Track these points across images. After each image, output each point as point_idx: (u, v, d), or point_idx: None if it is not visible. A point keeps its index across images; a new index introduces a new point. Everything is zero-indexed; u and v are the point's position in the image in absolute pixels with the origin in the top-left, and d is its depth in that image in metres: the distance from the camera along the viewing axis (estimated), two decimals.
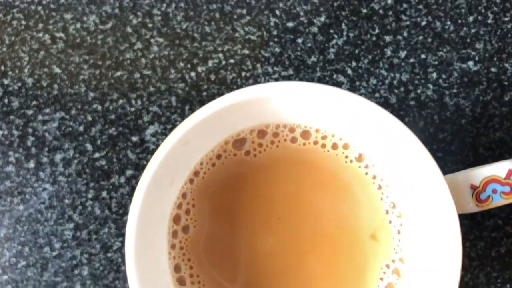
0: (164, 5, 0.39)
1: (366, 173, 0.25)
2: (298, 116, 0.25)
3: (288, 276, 0.25)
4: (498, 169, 0.23)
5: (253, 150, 0.25)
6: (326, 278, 0.25)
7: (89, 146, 0.38)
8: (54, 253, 0.37)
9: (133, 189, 0.38)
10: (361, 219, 0.25)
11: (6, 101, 0.38)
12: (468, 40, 0.39)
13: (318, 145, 0.25)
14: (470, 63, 0.39)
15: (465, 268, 0.37)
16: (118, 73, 0.39)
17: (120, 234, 0.37)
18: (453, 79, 0.38)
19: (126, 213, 0.37)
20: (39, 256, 0.37)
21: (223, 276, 0.25)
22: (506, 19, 0.39)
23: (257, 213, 0.25)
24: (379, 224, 0.25)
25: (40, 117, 0.38)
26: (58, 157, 0.38)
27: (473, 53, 0.39)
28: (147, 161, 0.38)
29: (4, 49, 0.39)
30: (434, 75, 0.38)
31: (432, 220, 0.23)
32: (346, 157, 0.25)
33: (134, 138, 0.38)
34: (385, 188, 0.25)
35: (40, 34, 0.39)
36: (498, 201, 0.23)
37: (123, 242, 0.37)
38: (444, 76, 0.38)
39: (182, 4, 0.39)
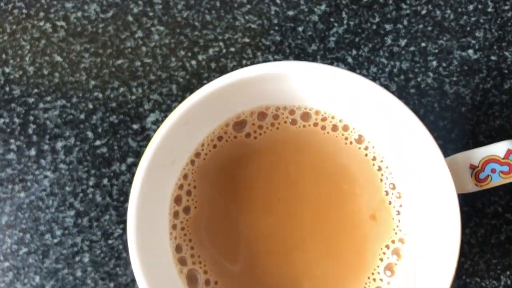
0: None
1: (366, 155, 0.26)
2: (298, 97, 0.25)
3: (288, 256, 0.25)
4: (497, 149, 0.24)
5: (253, 132, 0.26)
6: (326, 258, 0.25)
7: (90, 134, 0.38)
8: (55, 240, 0.38)
9: (134, 176, 0.38)
10: (361, 199, 0.25)
11: (7, 89, 0.39)
12: (468, 28, 0.39)
13: (318, 127, 0.26)
14: (470, 51, 0.39)
15: (465, 255, 0.37)
16: (119, 61, 0.39)
17: (121, 221, 0.38)
18: (453, 67, 0.39)
19: (127, 200, 0.38)
20: (40, 243, 0.38)
21: (224, 256, 0.25)
22: (506, 7, 0.39)
23: (257, 195, 0.25)
24: (379, 204, 0.25)
25: (41, 105, 0.38)
26: (59, 144, 0.38)
27: (473, 41, 0.39)
28: None
29: (5, 38, 0.39)
30: (434, 63, 0.39)
31: (432, 201, 0.24)
32: (346, 138, 0.26)
33: (135, 126, 0.38)
34: (385, 169, 0.26)
35: (41, 23, 0.39)
36: (497, 181, 0.24)
37: (124, 229, 0.38)
38: (444, 64, 0.39)
39: None
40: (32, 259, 0.38)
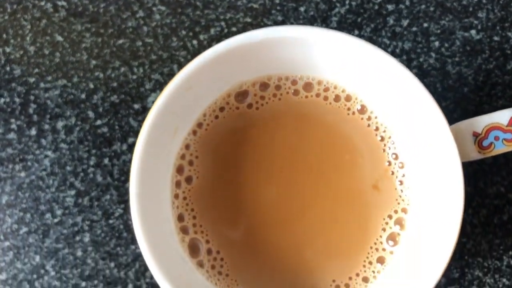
0: None
1: (369, 125, 0.26)
2: (301, 67, 0.25)
3: (290, 226, 0.25)
4: (500, 116, 0.24)
5: (255, 103, 0.26)
6: (328, 228, 0.25)
7: (91, 114, 0.38)
8: (56, 220, 0.38)
9: None
10: (363, 169, 0.26)
11: (8, 68, 0.39)
12: (471, 9, 0.39)
13: (320, 98, 0.26)
14: (473, 31, 0.39)
15: (467, 235, 0.37)
16: (120, 41, 0.39)
17: (122, 201, 0.38)
18: (455, 47, 0.39)
19: (128, 180, 0.38)
20: (40, 222, 0.38)
21: (226, 226, 0.25)
22: None
23: (259, 165, 0.26)
24: (382, 174, 0.26)
25: (42, 85, 0.39)
26: (60, 124, 0.38)
27: (476, 22, 0.39)
28: None
29: (6, 17, 0.39)
30: (437, 43, 0.39)
31: (435, 169, 0.24)
32: (348, 109, 0.26)
33: (136, 106, 0.38)
34: (388, 139, 0.26)
35: (42, 3, 0.39)
36: (501, 148, 0.24)
37: (125, 209, 0.38)
38: (446, 45, 0.39)
39: None
40: (32, 238, 0.38)
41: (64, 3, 0.40)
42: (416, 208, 0.25)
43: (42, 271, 0.38)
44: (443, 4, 0.39)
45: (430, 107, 0.22)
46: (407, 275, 0.23)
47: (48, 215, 0.38)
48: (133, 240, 0.38)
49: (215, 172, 0.26)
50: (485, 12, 0.39)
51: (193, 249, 0.25)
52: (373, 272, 0.25)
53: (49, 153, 0.38)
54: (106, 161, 0.38)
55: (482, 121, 0.24)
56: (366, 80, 0.25)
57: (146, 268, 0.38)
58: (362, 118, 0.26)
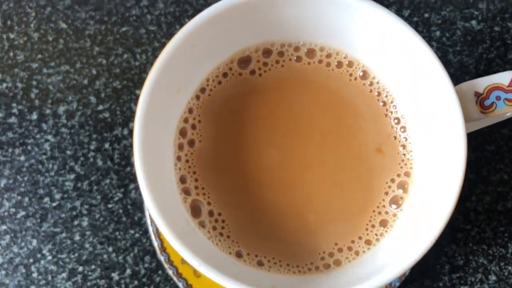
0: None
1: (371, 91, 0.26)
2: (304, 32, 0.26)
3: (293, 189, 0.26)
4: (502, 77, 0.25)
5: (258, 70, 0.26)
6: (331, 191, 0.26)
7: (93, 99, 0.39)
8: (54, 204, 0.38)
9: None
10: (366, 133, 0.26)
11: (11, 54, 0.40)
12: (471, 0, 0.40)
13: (323, 64, 0.27)
14: (473, 22, 0.40)
15: (471, 222, 0.37)
16: (124, 29, 0.40)
17: (122, 185, 0.38)
18: (456, 37, 0.40)
19: (128, 164, 0.38)
20: (38, 206, 0.38)
21: (228, 189, 0.26)
22: None
23: (262, 130, 0.26)
24: (385, 138, 0.26)
25: (44, 70, 0.39)
26: (61, 109, 0.39)
27: (476, 12, 0.40)
28: None
29: (11, 5, 0.40)
30: (438, 33, 0.40)
31: (437, 132, 0.24)
32: (351, 75, 0.27)
33: (138, 91, 0.39)
34: (390, 104, 0.26)
35: None
36: (502, 108, 0.24)
37: (124, 193, 0.38)
38: (447, 35, 0.40)
39: None
40: (30, 222, 0.38)
41: None
42: (419, 172, 0.26)
43: (39, 255, 0.38)
44: None
45: (433, 65, 0.23)
46: (410, 238, 0.23)
47: (46, 199, 0.38)
48: (132, 225, 0.38)
49: (217, 136, 0.26)
50: (485, 3, 0.41)
51: (195, 210, 0.25)
52: (376, 235, 0.25)
53: (49, 137, 0.39)
54: (106, 145, 0.39)
55: (484, 82, 0.25)
56: (368, 44, 0.26)
57: (144, 253, 0.38)
58: (364, 84, 0.27)
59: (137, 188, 0.38)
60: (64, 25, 0.40)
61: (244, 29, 0.25)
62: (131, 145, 0.39)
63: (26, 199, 0.38)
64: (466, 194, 0.38)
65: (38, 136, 0.39)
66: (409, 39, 0.24)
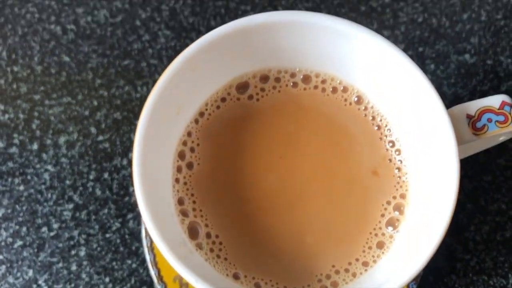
0: (172, 1, 0.43)
1: (365, 115, 0.27)
2: (299, 59, 0.27)
3: (290, 211, 0.26)
4: (492, 100, 0.26)
5: (256, 95, 0.27)
6: (328, 213, 0.26)
7: (93, 130, 0.40)
8: (52, 233, 0.38)
9: None
10: (362, 156, 0.27)
11: (14, 86, 0.41)
12: (464, 35, 0.42)
13: (318, 90, 0.28)
14: (467, 55, 0.42)
15: (470, 252, 0.38)
16: (126, 62, 0.42)
17: (120, 215, 0.38)
18: (450, 70, 0.41)
19: (127, 194, 0.39)
20: (36, 236, 0.38)
21: (226, 212, 0.26)
22: (499, 16, 0.42)
23: (259, 153, 0.27)
24: (380, 161, 0.27)
25: (46, 102, 0.41)
26: (62, 139, 0.40)
27: (469, 46, 0.42)
28: None
29: (17, 39, 0.42)
30: (432, 66, 0.41)
31: (431, 154, 0.25)
32: (345, 100, 0.27)
33: None
34: (384, 128, 0.27)
35: (52, 26, 0.42)
36: (494, 130, 0.25)
37: (122, 223, 0.38)
38: (441, 67, 0.41)
39: (189, 1, 0.43)
40: (27, 252, 0.38)
41: (73, 27, 0.42)
42: (414, 194, 0.26)
43: (34, 286, 0.37)
44: (437, 31, 0.42)
45: (425, 88, 0.24)
46: (407, 259, 0.23)
47: (44, 229, 0.38)
48: (129, 255, 0.38)
49: (215, 160, 0.27)
50: (477, 38, 0.42)
51: (192, 232, 0.26)
52: (373, 256, 0.26)
53: (49, 167, 0.39)
54: (106, 175, 0.39)
55: (475, 105, 0.26)
56: (363, 70, 0.27)
57: (141, 284, 0.37)
58: (359, 109, 0.27)
59: (135, 218, 0.38)
60: (67, 58, 0.42)
61: (242, 55, 0.26)
62: (130, 175, 0.39)
63: (24, 228, 0.38)
64: (465, 224, 0.38)
65: (38, 166, 0.40)
66: (401, 63, 0.25)
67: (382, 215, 0.26)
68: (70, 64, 0.42)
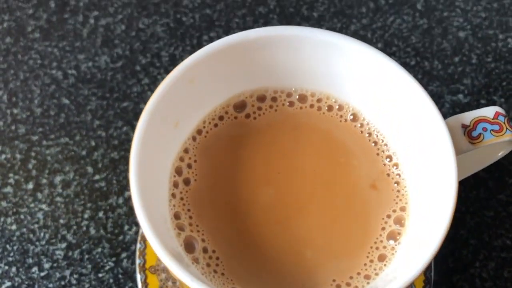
0: (172, 48, 0.45)
1: (362, 132, 0.28)
2: (295, 78, 0.28)
3: (289, 227, 0.26)
4: (486, 111, 0.26)
5: (253, 113, 0.28)
6: (328, 227, 0.26)
7: (90, 169, 0.40)
8: (42, 274, 0.37)
9: (131, 209, 0.39)
10: (359, 171, 0.27)
11: (13, 127, 0.42)
12: (456, 76, 0.44)
13: (314, 108, 0.29)
14: (460, 95, 0.43)
15: None
16: (125, 104, 0.43)
17: (114, 254, 0.38)
18: (445, 109, 0.42)
19: (121, 233, 0.38)
20: (26, 276, 0.37)
21: (223, 227, 0.26)
22: (489, 59, 0.44)
23: (257, 169, 0.27)
24: (378, 175, 0.27)
25: (44, 142, 0.41)
26: (57, 179, 0.40)
27: (462, 87, 0.43)
28: None
29: (18, 84, 0.43)
30: None
31: (429, 165, 0.25)
32: (341, 117, 0.28)
33: None
34: (381, 143, 0.28)
35: (53, 71, 0.44)
36: (490, 139, 0.26)
37: (116, 262, 0.38)
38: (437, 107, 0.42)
39: (188, 48, 0.45)
40: None
41: (74, 72, 0.44)
42: (415, 206, 0.26)
43: None
44: (430, 73, 0.44)
45: (421, 98, 0.25)
46: (409, 271, 0.23)
47: (35, 269, 0.38)
48: None
49: (213, 176, 0.27)
50: (470, 79, 0.44)
51: (189, 246, 0.25)
52: (375, 269, 0.25)
53: (43, 206, 0.39)
54: (100, 214, 0.39)
55: (470, 115, 0.26)
56: (357, 87, 0.28)
57: None
58: (355, 126, 0.28)
59: (129, 257, 0.38)
60: (66, 101, 0.43)
61: (238, 71, 0.27)
62: (125, 214, 0.39)
63: (14, 269, 0.38)
64: (469, 260, 0.37)
65: (32, 205, 0.39)
66: (396, 74, 0.26)
67: (383, 229, 0.26)
68: (70, 106, 0.43)
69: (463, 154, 0.29)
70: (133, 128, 0.42)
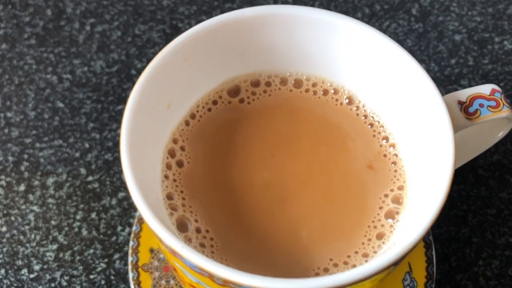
0: None
1: (357, 114, 0.28)
2: (290, 61, 0.28)
3: (284, 207, 0.26)
4: (482, 88, 0.26)
5: (247, 98, 0.28)
6: (323, 208, 0.26)
7: (83, 170, 0.40)
8: (32, 275, 0.37)
9: (124, 210, 0.39)
10: (356, 152, 0.27)
11: (6, 130, 0.42)
12: (453, 78, 0.44)
13: (309, 93, 0.29)
14: None
15: None
16: (120, 107, 0.43)
17: (106, 255, 0.37)
18: None
19: (114, 234, 0.38)
20: (15, 278, 0.37)
21: (216, 208, 0.26)
22: (486, 61, 0.44)
23: (251, 151, 0.27)
24: (375, 156, 0.27)
25: (37, 145, 0.41)
26: (50, 180, 0.40)
27: (460, 88, 0.43)
28: None
29: (12, 88, 0.44)
30: None
31: (426, 142, 0.25)
32: (337, 100, 0.28)
33: None
34: (377, 124, 0.28)
35: (49, 76, 0.44)
36: (487, 114, 0.26)
37: (108, 263, 0.37)
38: None
39: None
40: None
41: (69, 76, 0.44)
42: (412, 184, 0.26)
43: None
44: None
45: (418, 75, 0.25)
46: (408, 237, 0.22)
47: (24, 271, 0.37)
48: None
49: (206, 159, 0.27)
50: (467, 80, 0.44)
51: (182, 226, 0.25)
52: (373, 247, 0.25)
53: (35, 208, 0.39)
54: (93, 215, 0.39)
55: (466, 92, 0.26)
56: (353, 69, 0.28)
57: None
58: (350, 109, 0.28)
59: (121, 258, 0.37)
60: (61, 105, 0.43)
61: (233, 52, 0.27)
62: (118, 215, 0.39)
63: (3, 271, 0.37)
64: (473, 259, 0.37)
65: (23, 207, 0.39)
66: (391, 51, 0.26)
67: (381, 208, 0.26)
68: (64, 109, 0.43)
69: (464, 137, 0.29)
70: None
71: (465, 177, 0.40)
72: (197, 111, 0.28)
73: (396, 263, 0.21)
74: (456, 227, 0.38)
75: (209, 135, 0.28)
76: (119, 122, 0.42)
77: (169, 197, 0.26)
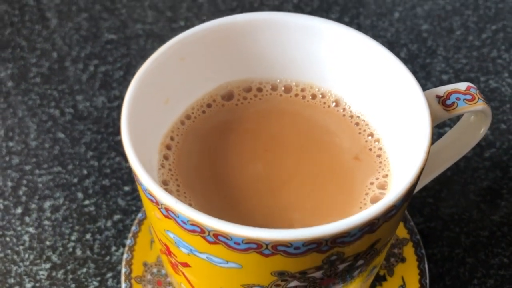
0: None
1: (344, 115, 0.31)
2: (279, 68, 0.32)
3: (275, 195, 0.28)
4: (458, 85, 0.29)
5: (240, 103, 0.31)
6: (312, 195, 0.28)
7: (80, 195, 0.42)
8: None
9: (119, 231, 0.40)
10: (343, 145, 0.29)
11: (7, 158, 0.44)
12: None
13: (299, 97, 0.32)
14: (446, 128, 0.46)
15: None
16: (119, 137, 0.46)
17: (99, 274, 0.38)
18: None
19: (108, 253, 0.39)
20: None
21: (211, 196, 0.28)
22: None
23: (245, 147, 0.30)
24: (361, 149, 0.29)
25: (36, 171, 0.44)
26: (47, 204, 0.42)
27: (448, 121, 0.46)
28: (137, 206, 0.42)
29: (16, 121, 0.47)
30: None
31: (407, 134, 0.28)
32: (324, 103, 0.31)
33: (127, 188, 0.43)
34: (362, 123, 0.30)
35: (51, 110, 0.47)
36: (463, 106, 0.28)
37: (101, 282, 0.38)
38: None
39: None
40: None
41: (71, 110, 0.48)
42: (396, 172, 0.28)
43: None
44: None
45: (401, 72, 0.28)
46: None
47: None
48: None
49: (201, 154, 0.29)
50: (456, 118, 0.47)
51: None
52: None
53: (30, 229, 0.41)
54: (88, 236, 0.40)
55: (443, 88, 0.29)
56: (338, 73, 0.31)
57: None
58: (337, 110, 0.31)
59: (114, 277, 0.38)
60: (62, 135, 0.46)
61: (226, 57, 0.31)
62: (113, 236, 0.40)
63: None
64: (467, 278, 0.38)
65: (19, 228, 0.41)
66: (373, 50, 0.29)
67: (366, 194, 0.28)
68: (65, 139, 0.46)
69: (451, 139, 0.31)
70: (125, 158, 0.44)
71: (456, 201, 0.41)
72: (192, 113, 0.31)
73: (379, 219, 0.23)
74: (450, 247, 0.39)
75: (204, 132, 0.30)
76: (118, 151, 0.45)
77: (165, 183, 0.28)
